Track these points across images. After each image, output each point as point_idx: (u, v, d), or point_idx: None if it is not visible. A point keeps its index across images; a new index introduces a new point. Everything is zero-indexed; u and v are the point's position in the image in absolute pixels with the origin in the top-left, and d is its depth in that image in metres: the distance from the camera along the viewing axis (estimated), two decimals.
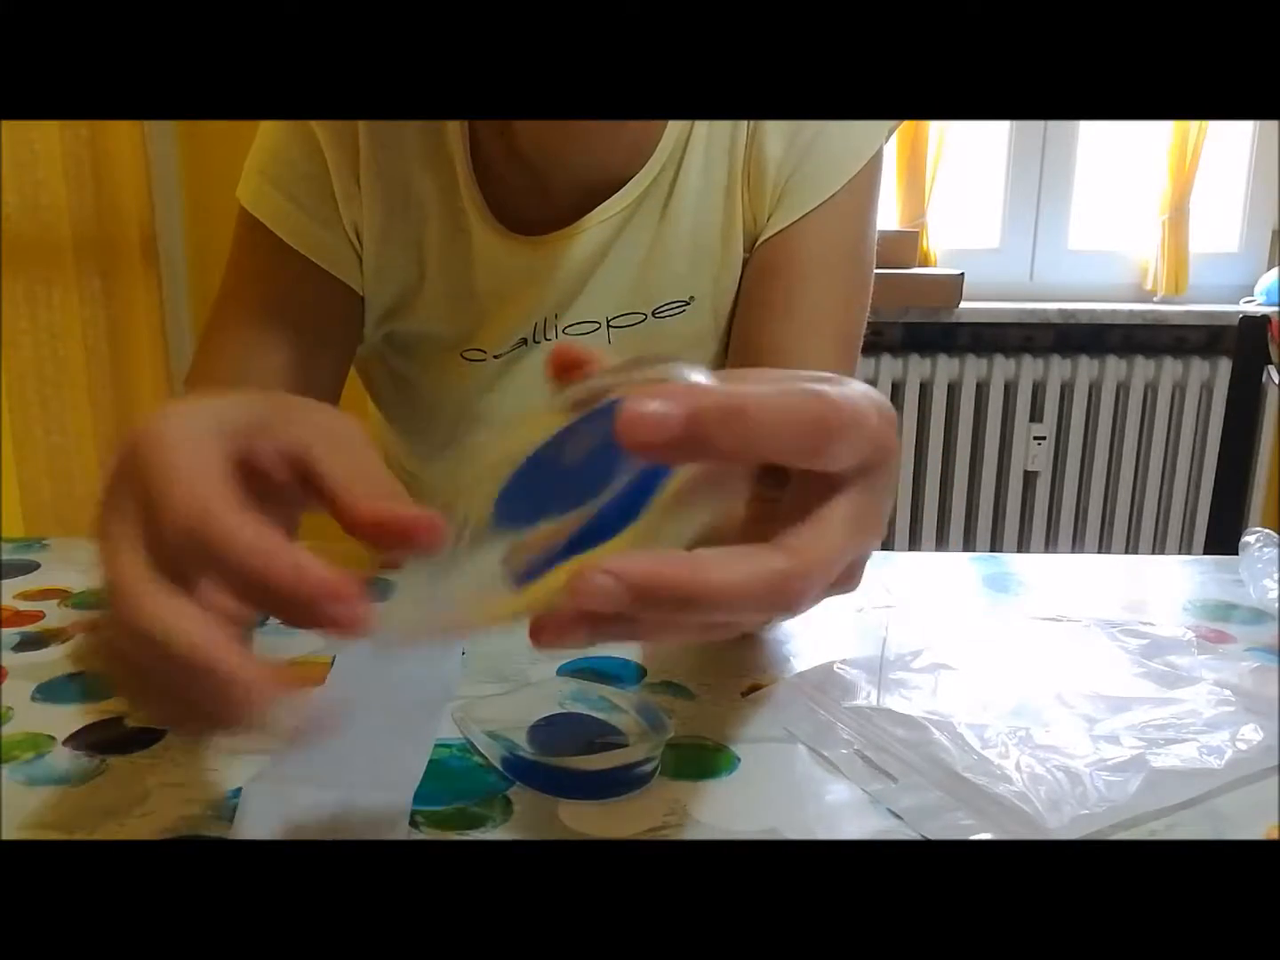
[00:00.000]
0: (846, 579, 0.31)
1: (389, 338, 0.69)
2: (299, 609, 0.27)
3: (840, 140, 0.63)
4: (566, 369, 0.32)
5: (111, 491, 0.30)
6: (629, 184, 0.63)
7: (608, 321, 0.66)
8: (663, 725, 0.44)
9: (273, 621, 0.57)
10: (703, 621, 0.28)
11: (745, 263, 0.66)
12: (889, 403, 0.31)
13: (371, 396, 0.77)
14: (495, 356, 0.67)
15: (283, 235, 0.62)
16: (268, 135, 0.63)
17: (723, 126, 0.64)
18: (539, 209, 0.63)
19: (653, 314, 0.66)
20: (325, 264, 0.63)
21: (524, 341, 0.67)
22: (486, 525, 0.31)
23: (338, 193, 0.62)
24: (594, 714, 0.47)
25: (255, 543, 0.27)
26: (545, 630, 0.28)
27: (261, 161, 0.63)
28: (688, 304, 0.66)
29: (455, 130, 0.62)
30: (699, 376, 0.28)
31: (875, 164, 0.64)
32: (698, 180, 0.64)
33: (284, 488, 0.31)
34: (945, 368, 2.02)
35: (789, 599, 0.27)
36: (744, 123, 0.64)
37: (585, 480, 0.28)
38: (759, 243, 0.65)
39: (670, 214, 0.64)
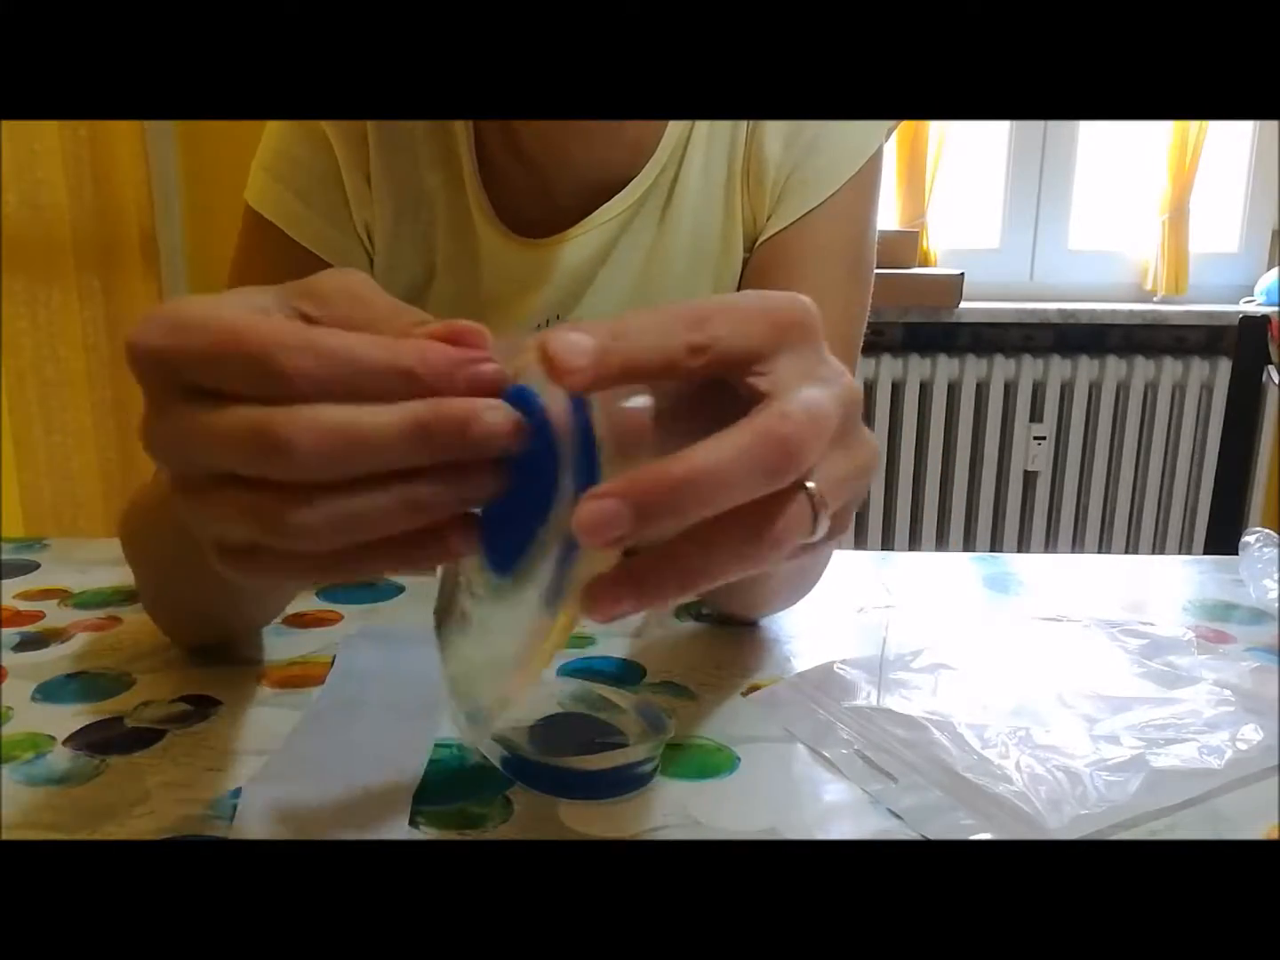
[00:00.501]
0: (856, 481, 0.31)
1: None
2: (441, 380, 0.28)
3: (840, 140, 0.63)
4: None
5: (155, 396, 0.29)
6: (630, 185, 0.63)
7: None
8: (663, 725, 0.44)
9: (273, 622, 0.57)
10: (731, 526, 0.27)
11: (745, 263, 0.66)
12: (778, 294, 0.31)
13: None
14: None
15: (295, 235, 0.62)
16: (275, 136, 0.63)
17: (723, 126, 0.64)
18: (542, 210, 0.63)
19: None
20: (339, 264, 0.62)
21: None
22: (488, 579, 0.31)
23: (349, 192, 0.62)
24: (594, 714, 0.47)
25: (371, 340, 0.28)
26: (597, 601, 0.27)
27: (269, 162, 0.63)
28: None
29: (461, 130, 0.62)
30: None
31: (875, 163, 0.64)
32: (698, 180, 0.64)
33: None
34: (945, 368, 2.02)
35: (785, 445, 0.27)
36: (744, 122, 0.64)
37: (539, 475, 0.28)
38: (759, 242, 0.65)
39: (671, 215, 0.64)
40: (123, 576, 0.63)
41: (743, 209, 0.65)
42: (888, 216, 2.09)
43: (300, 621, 0.57)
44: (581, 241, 0.63)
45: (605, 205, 0.63)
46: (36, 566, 0.66)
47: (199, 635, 0.54)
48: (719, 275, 0.66)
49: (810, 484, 0.29)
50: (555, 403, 0.28)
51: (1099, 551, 2.11)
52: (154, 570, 0.53)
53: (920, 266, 2.05)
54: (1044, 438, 2.07)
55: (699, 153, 0.64)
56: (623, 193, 0.63)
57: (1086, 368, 2.03)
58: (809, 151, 0.63)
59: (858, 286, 0.65)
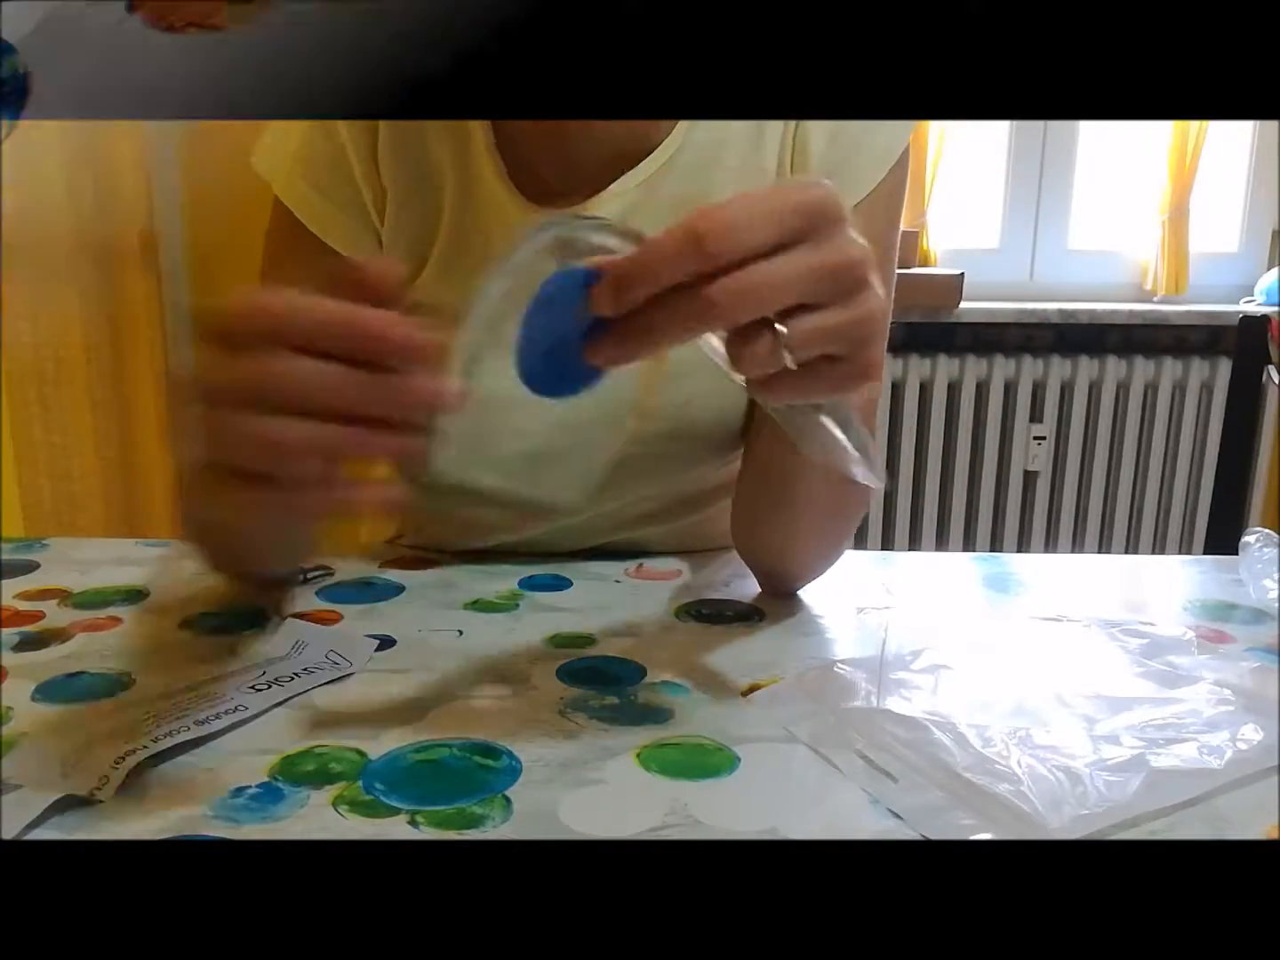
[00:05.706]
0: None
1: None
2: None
3: (876, 138, 0.64)
4: None
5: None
6: (650, 157, 0.63)
7: None
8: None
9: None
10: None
11: None
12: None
13: None
14: None
15: (310, 225, 0.64)
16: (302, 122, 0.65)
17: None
18: (559, 178, 0.64)
19: None
20: (345, 248, 0.65)
21: None
22: None
23: (358, 175, 0.64)
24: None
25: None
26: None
27: (297, 149, 0.65)
28: None
29: None
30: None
31: (905, 161, 0.65)
32: (724, 146, 0.65)
33: None
34: (945, 368, 2.02)
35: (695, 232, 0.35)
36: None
37: None
38: None
39: (692, 190, 0.65)
40: (123, 576, 0.63)
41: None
42: None
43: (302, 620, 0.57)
44: (598, 211, 0.64)
45: (625, 175, 0.64)
46: (36, 566, 0.66)
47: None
48: None
49: (780, 328, 0.37)
50: None
51: (1099, 551, 2.11)
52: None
53: (920, 266, 2.05)
54: (1044, 438, 2.07)
55: (726, 129, 0.65)
56: (643, 164, 0.64)
57: (1086, 368, 2.03)
58: (851, 149, 0.63)
59: (885, 284, 0.66)
